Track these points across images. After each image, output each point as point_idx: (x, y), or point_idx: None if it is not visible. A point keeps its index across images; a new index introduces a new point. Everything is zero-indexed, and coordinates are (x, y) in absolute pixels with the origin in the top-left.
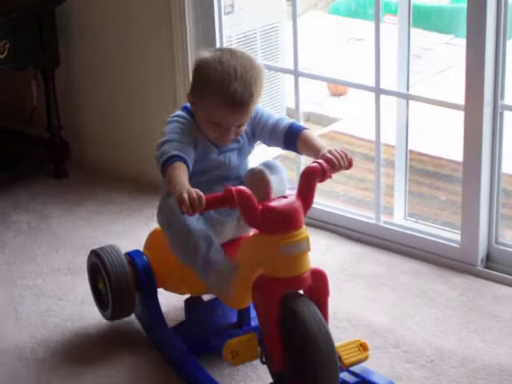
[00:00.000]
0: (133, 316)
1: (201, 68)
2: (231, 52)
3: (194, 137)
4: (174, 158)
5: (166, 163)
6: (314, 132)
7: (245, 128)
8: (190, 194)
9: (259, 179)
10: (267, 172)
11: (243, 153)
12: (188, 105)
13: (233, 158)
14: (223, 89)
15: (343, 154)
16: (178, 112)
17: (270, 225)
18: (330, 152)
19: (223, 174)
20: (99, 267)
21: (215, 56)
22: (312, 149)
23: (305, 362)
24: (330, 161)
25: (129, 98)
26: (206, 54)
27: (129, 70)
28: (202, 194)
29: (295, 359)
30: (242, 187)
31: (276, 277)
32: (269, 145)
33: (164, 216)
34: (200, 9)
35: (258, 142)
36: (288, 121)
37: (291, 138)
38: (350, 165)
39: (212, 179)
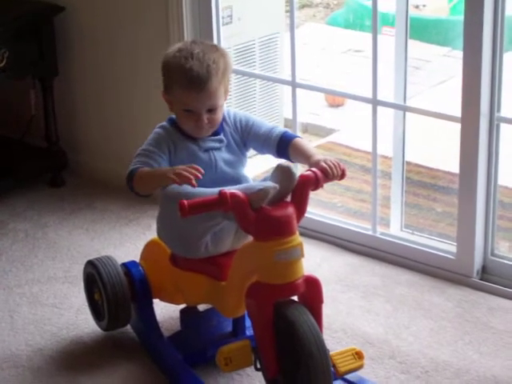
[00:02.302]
0: (128, 326)
1: (163, 62)
2: (193, 41)
3: (171, 143)
4: (136, 169)
5: (131, 175)
6: (312, 143)
7: (219, 118)
8: (178, 168)
9: (288, 174)
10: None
11: (233, 156)
12: (173, 116)
13: (219, 157)
14: (181, 71)
15: (336, 164)
16: (160, 123)
17: (263, 230)
18: (324, 161)
19: (215, 179)
20: (95, 278)
21: (175, 47)
22: (302, 155)
23: (298, 368)
24: (323, 170)
25: (127, 108)
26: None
27: (128, 80)
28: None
29: (288, 365)
30: (236, 191)
31: (269, 283)
32: (262, 153)
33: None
34: (198, 20)
35: (251, 150)
36: (280, 129)
37: (283, 145)
38: (343, 175)
39: (205, 185)
